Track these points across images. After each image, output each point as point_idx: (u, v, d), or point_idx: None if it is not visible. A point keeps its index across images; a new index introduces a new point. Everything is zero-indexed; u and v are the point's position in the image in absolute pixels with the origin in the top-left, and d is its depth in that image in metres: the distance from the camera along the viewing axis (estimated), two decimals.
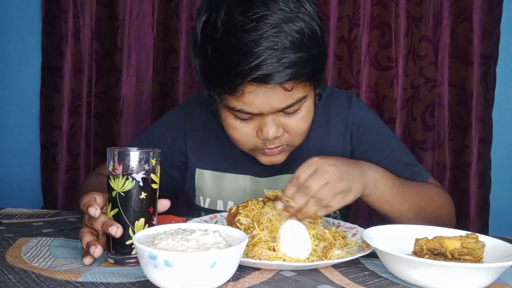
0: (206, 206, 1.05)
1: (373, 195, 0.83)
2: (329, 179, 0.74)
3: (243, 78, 0.74)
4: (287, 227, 0.70)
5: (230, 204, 1.02)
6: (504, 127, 1.60)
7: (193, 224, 0.69)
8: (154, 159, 0.71)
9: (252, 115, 0.82)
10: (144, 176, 0.69)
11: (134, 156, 0.69)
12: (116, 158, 0.69)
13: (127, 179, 0.68)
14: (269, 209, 0.77)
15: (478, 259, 0.67)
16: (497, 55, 1.53)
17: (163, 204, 0.74)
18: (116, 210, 0.68)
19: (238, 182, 1.01)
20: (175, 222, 0.75)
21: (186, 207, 1.63)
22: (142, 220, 0.69)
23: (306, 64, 0.76)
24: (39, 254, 0.73)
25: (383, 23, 1.55)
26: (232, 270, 0.59)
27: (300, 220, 0.75)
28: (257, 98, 0.77)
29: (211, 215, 0.93)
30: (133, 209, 0.69)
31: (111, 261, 0.70)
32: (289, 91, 0.77)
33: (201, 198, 1.05)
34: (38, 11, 1.79)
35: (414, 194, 0.90)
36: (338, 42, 1.59)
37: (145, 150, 0.70)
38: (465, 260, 0.67)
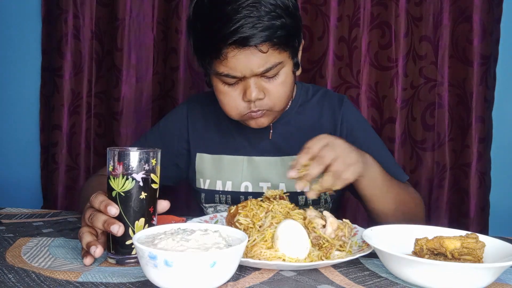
0: (206, 187, 1.11)
1: (368, 177, 0.88)
2: (340, 152, 0.80)
3: (225, 42, 0.86)
4: (285, 227, 0.70)
5: (229, 184, 1.09)
6: (504, 127, 1.60)
7: (193, 224, 0.69)
8: (154, 159, 0.71)
9: (237, 80, 0.92)
10: (144, 176, 0.69)
11: (134, 156, 0.69)
12: (116, 158, 0.69)
13: (127, 179, 0.68)
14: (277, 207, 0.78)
15: (478, 259, 0.67)
16: (497, 55, 1.52)
17: (163, 205, 0.74)
18: (118, 211, 0.68)
19: (236, 163, 1.09)
20: (175, 222, 0.75)
21: (186, 207, 1.64)
22: (142, 220, 0.69)
23: (278, 29, 0.87)
24: (39, 254, 0.73)
25: (383, 23, 1.55)
26: (232, 270, 0.59)
27: (317, 192, 0.80)
28: (238, 61, 0.88)
29: (211, 215, 0.94)
30: (133, 209, 0.69)
31: (111, 261, 0.70)
32: (265, 53, 0.88)
33: (201, 180, 1.12)
34: (38, 11, 1.79)
35: (397, 187, 0.97)
36: (338, 42, 1.58)
37: (145, 150, 0.70)
38: (465, 260, 0.67)
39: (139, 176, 0.69)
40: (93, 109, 1.74)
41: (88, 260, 0.68)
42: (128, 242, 0.69)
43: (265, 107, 0.95)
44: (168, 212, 0.77)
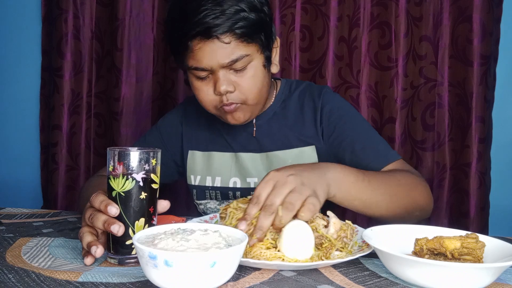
0: (196, 184, 1.14)
1: (339, 195, 0.82)
2: (291, 188, 0.73)
3: (189, 33, 0.90)
4: (292, 227, 0.70)
5: (218, 180, 1.12)
6: (504, 127, 1.60)
7: (193, 224, 0.69)
8: (154, 159, 0.71)
9: (207, 73, 0.95)
10: (144, 176, 0.69)
11: (134, 156, 0.69)
12: (116, 158, 0.69)
13: (127, 179, 0.68)
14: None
15: (478, 259, 0.67)
16: (497, 55, 1.52)
17: (163, 205, 0.74)
18: (119, 211, 0.68)
19: (225, 159, 1.12)
20: (175, 222, 0.75)
21: (186, 207, 1.64)
22: (142, 220, 0.69)
23: (239, 21, 0.90)
24: (39, 254, 0.73)
25: (383, 23, 1.55)
26: (232, 270, 0.59)
27: (277, 230, 0.72)
28: (204, 53, 0.91)
29: (211, 215, 0.94)
30: (133, 209, 0.69)
31: (111, 261, 0.70)
32: (228, 43, 0.90)
33: (192, 177, 1.15)
34: (38, 11, 1.80)
35: (381, 183, 0.89)
36: (338, 42, 1.59)
37: (146, 150, 0.70)
38: (465, 260, 0.67)
39: (139, 176, 0.69)
40: (93, 109, 1.74)
41: (89, 260, 0.68)
42: (128, 242, 0.69)
43: (237, 100, 0.97)
44: (168, 212, 0.77)
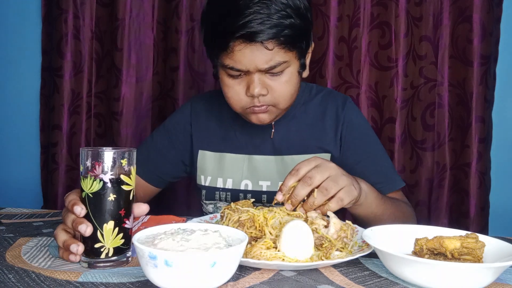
0: (207, 184, 1.12)
1: (364, 204, 0.90)
2: (331, 174, 0.79)
3: (232, 35, 0.88)
4: (291, 227, 0.70)
5: (229, 181, 1.10)
6: (504, 127, 1.60)
7: (193, 224, 0.69)
8: (125, 159, 0.68)
9: (241, 73, 0.93)
10: (112, 177, 0.66)
11: (104, 156, 0.66)
12: (86, 158, 0.67)
13: (94, 180, 0.66)
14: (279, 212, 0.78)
15: (478, 259, 0.67)
16: (497, 55, 1.53)
17: (142, 209, 0.72)
18: (85, 211, 0.66)
19: (237, 161, 1.11)
20: (175, 222, 0.75)
21: (186, 207, 1.64)
22: (111, 223, 0.67)
23: (286, 28, 0.88)
24: (39, 254, 0.73)
25: (383, 23, 1.55)
26: (232, 270, 0.59)
27: (306, 211, 0.79)
28: (244, 56, 0.90)
29: (211, 215, 0.94)
30: (101, 212, 0.66)
31: (83, 264, 0.68)
32: (270, 50, 0.89)
33: (203, 177, 1.13)
34: (38, 11, 1.80)
35: (391, 207, 0.99)
36: (338, 42, 1.59)
37: (117, 150, 0.67)
38: (465, 260, 0.67)
39: (106, 177, 0.66)
40: (93, 109, 1.74)
41: (76, 257, 0.67)
42: (97, 245, 0.66)
43: (268, 103, 0.96)
44: (168, 212, 0.77)
